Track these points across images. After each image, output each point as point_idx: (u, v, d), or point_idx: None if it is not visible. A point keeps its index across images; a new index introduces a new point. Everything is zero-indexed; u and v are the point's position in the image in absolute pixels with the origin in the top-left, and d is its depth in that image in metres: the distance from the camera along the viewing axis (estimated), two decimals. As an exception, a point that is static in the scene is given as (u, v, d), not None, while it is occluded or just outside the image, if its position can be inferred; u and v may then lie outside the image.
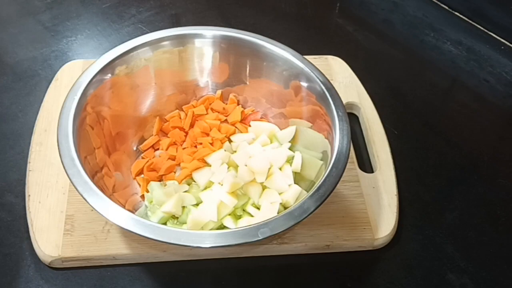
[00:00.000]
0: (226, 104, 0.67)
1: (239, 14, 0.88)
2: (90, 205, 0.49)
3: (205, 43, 0.65)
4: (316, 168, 0.58)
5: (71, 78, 0.69)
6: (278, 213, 0.55)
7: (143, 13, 0.87)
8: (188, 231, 0.49)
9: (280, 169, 0.59)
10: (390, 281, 0.57)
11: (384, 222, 0.59)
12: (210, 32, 0.64)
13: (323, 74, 0.61)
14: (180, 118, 0.66)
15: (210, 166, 0.60)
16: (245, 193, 0.58)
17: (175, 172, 0.62)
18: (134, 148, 0.64)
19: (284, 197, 0.57)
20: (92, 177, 0.52)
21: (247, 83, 0.67)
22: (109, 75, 0.60)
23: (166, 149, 0.64)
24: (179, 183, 0.60)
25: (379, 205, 0.60)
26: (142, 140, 0.65)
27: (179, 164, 0.62)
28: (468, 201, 0.64)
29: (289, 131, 0.63)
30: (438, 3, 0.90)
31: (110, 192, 0.56)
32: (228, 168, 0.59)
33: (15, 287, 0.54)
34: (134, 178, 0.62)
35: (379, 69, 0.80)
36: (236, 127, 0.65)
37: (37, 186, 0.60)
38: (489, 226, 0.62)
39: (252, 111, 0.67)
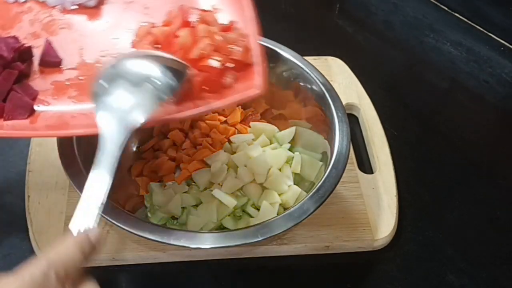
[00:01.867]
0: (226, 105, 0.67)
1: (239, 15, 0.88)
2: (90, 205, 0.49)
3: (205, 44, 0.65)
4: (315, 169, 0.58)
5: (71, 79, 0.69)
6: (277, 214, 0.55)
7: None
8: (188, 232, 0.49)
9: (280, 170, 0.59)
10: (390, 282, 0.57)
11: (384, 223, 0.59)
12: (210, 33, 0.64)
13: (323, 75, 0.61)
14: (180, 119, 0.66)
15: (209, 167, 0.60)
16: (244, 194, 0.58)
17: (174, 173, 0.62)
18: (134, 149, 0.64)
19: (284, 198, 0.57)
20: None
21: (247, 84, 0.67)
22: (109, 76, 0.60)
23: (166, 150, 0.63)
24: (179, 183, 0.60)
25: (378, 206, 0.60)
26: (141, 140, 0.65)
27: (179, 165, 0.62)
28: (468, 201, 0.64)
29: (289, 132, 0.63)
30: (438, 4, 0.90)
31: (110, 193, 0.56)
32: (227, 169, 0.59)
33: (15, 288, 0.54)
34: (134, 179, 0.62)
35: (378, 70, 0.80)
36: (235, 128, 0.65)
37: (37, 186, 0.60)
38: (489, 227, 0.62)
39: (252, 111, 0.67)
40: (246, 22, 0.50)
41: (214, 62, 0.45)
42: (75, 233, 0.33)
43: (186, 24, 0.48)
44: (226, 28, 0.49)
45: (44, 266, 0.30)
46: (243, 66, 0.47)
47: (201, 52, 0.45)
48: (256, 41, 0.48)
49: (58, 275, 0.30)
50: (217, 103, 0.45)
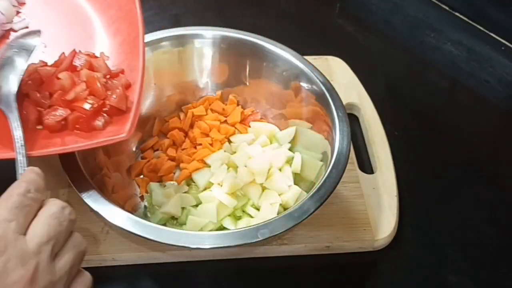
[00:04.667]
0: (226, 104, 0.67)
1: (238, 14, 0.88)
2: (89, 206, 0.49)
3: (204, 43, 0.65)
4: (316, 169, 0.58)
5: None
6: (278, 214, 0.55)
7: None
8: (188, 232, 0.49)
9: (280, 170, 0.59)
10: (390, 282, 0.57)
11: (384, 223, 0.59)
12: (210, 33, 0.64)
13: (323, 75, 0.61)
14: (180, 118, 0.66)
15: (209, 166, 0.60)
16: (244, 194, 0.58)
17: (174, 173, 0.62)
18: (134, 149, 0.64)
19: (284, 198, 0.57)
20: (92, 178, 0.52)
21: (247, 83, 0.67)
22: (109, 75, 0.60)
23: (166, 150, 0.63)
24: (179, 184, 0.60)
25: (379, 206, 0.60)
26: (141, 140, 0.65)
27: (178, 165, 0.62)
28: (468, 201, 0.64)
29: (289, 132, 0.63)
30: (439, 3, 0.90)
31: (110, 193, 0.56)
32: (227, 169, 0.59)
33: (14, 288, 0.54)
34: (134, 179, 0.62)
35: (379, 69, 0.80)
36: (235, 127, 0.65)
37: (36, 186, 0.60)
38: (489, 227, 0.62)
39: (252, 111, 0.67)
40: (133, 71, 0.53)
41: (86, 105, 0.49)
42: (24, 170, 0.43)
43: (72, 67, 0.53)
44: (115, 75, 0.54)
45: (24, 185, 0.39)
46: (118, 112, 0.51)
47: (76, 95, 0.50)
48: (137, 90, 0.51)
49: (35, 189, 0.39)
50: (84, 143, 0.48)
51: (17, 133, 0.45)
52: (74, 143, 0.48)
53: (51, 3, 0.62)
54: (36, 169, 0.42)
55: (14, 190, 0.38)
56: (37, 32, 0.50)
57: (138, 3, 0.56)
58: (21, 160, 0.44)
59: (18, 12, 0.60)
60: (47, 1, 0.62)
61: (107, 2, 0.60)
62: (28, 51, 0.48)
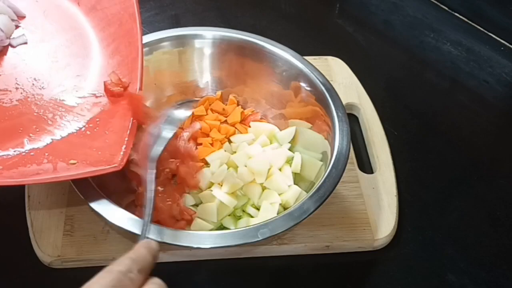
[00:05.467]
0: (226, 105, 0.67)
1: (239, 14, 0.88)
2: (90, 206, 0.49)
3: (205, 43, 0.65)
4: (315, 168, 0.58)
5: (71, 78, 0.69)
6: (277, 213, 0.55)
7: (143, 14, 0.86)
8: (188, 232, 0.49)
9: (280, 169, 0.59)
10: (390, 282, 0.57)
11: (384, 222, 0.59)
12: (210, 33, 0.64)
13: (323, 75, 0.61)
14: (180, 118, 0.66)
15: (209, 166, 0.60)
16: (244, 194, 0.58)
17: (175, 173, 0.62)
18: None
19: (284, 197, 0.57)
20: (92, 178, 0.52)
21: (247, 83, 0.67)
22: (109, 75, 0.60)
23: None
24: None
25: (379, 206, 0.60)
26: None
27: (178, 165, 0.62)
28: (468, 201, 0.64)
29: (289, 132, 0.63)
30: (438, 4, 0.90)
31: (110, 193, 0.56)
32: (227, 168, 0.59)
33: (15, 288, 0.54)
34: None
35: (379, 70, 0.80)
36: (236, 127, 0.65)
37: (37, 186, 0.60)
38: (489, 227, 0.62)
39: (252, 111, 0.67)
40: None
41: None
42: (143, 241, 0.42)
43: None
44: None
45: (129, 263, 0.38)
46: None
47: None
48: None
49: (138, 270, 0.38)
50: (78, 172, 0.48)
51: (149, 196, 0.47)
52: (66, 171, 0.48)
53: (51, 16, 0.61)
54: (152, 244, 0.41)
55: (116, 267, 0.37)
56: (190, 107, 0.55)
57: (138, 21, 0.56)
58: (143, 229, 0.45)
59: (17, 26, 0.59)
60: (47, 14, 0.61)
61: (107, 19, 0.59)
62: (176, 122, 0.52)
